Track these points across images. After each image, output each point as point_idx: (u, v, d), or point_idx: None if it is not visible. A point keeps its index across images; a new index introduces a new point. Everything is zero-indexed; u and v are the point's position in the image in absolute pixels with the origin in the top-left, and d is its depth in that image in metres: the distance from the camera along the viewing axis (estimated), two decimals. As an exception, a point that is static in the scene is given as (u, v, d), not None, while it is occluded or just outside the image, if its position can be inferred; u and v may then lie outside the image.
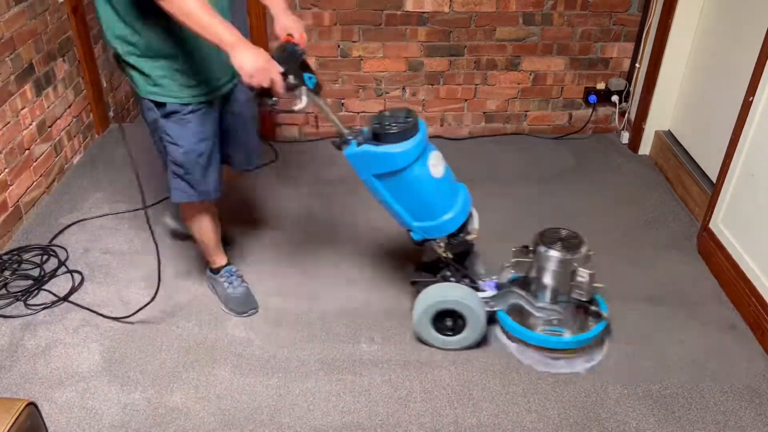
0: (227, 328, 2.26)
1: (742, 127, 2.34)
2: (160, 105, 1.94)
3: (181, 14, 1.67)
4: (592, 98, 3.45)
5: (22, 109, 2.74)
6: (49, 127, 2.98)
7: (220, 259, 2.37)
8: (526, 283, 2.16)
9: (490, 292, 2.17)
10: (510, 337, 2.17)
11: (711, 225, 2.54)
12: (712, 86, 2.87)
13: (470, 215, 2.17)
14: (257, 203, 2.96)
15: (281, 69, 1.77)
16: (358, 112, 3.50)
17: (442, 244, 2.12)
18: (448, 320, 2.12)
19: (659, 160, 3.25)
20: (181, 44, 1.85)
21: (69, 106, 3.17)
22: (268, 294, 2.41)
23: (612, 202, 2.97)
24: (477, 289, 2.17)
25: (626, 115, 3.51)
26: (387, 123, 1.96)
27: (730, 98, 2.58)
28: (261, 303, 2.37)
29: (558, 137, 3.56)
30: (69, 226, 2.77)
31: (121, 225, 2.79)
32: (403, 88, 3.42)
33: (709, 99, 2.89)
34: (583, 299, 2.08)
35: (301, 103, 1.88)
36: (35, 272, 2.49)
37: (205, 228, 2.26)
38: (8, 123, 2.64)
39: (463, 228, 2.13)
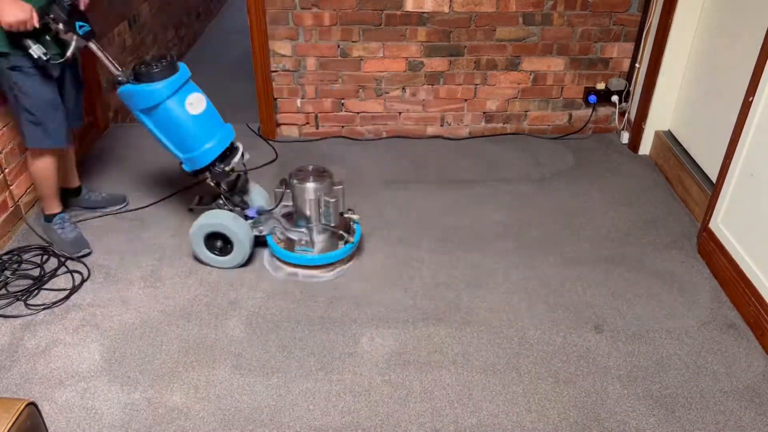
0: (227, 328, 2.26)
1: (742, 127, 2.34)
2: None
3: None
4: (592, 98, 3.45)
5: (22, 109, 2.74)
6: (49, 127, 2.98)
7: (55, 207, 2.60)
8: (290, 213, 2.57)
9: (253, 218, 2.54)
10: (274, 259, 2.58)
11: (711, 225, 2.55)
12: (712, 86, 2.87)
13: (234, 151, 2.53)
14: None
15: (40, 19, 2.14)
16: (358, 112, 3.50)
17: (208, 175, 2.48)
18: (218, 242, 2.48)
19: (659, 160, 3.25)
20: None
21: (69, 106, 3.17)
22: (268, 295, 2.41)
23: (612, 202, 2.97)
24: (241, 214, 2.53)
25: (626, 115, 3.51)
26: (147, 65, 2.31)
27: (730, 98, 2.58)
28: (261, 304, 2.37)
29: (558, 137, 3.56)
30: (69, 226, 2.77)
31: (121, 225, 2.79)
32: (403, 88, 3.42)
33: (709, 99, 2.89)
34: (330, 224, 2.47)
35: (71, 48, 2.26)
36: (35, 272, 2.49)
37: (49, 172, 2.49)
38: (8, 123, 2.64)
39: (224, 161, 2.48)
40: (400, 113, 3.51)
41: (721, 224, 2.49)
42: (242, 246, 2.47)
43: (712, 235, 2.53)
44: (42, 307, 2.33)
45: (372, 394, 2.01)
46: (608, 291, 2.44)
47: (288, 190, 2.52)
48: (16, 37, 2.16)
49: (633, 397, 2.00)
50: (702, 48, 2.96)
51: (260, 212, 2.55)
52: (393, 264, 2.57)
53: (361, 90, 3.42)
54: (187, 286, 2.46)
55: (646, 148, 3.36)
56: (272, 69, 3.34)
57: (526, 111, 3.53)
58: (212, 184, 2.52)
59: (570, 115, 3.56)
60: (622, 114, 3.52)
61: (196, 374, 2.08)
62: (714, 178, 2.64)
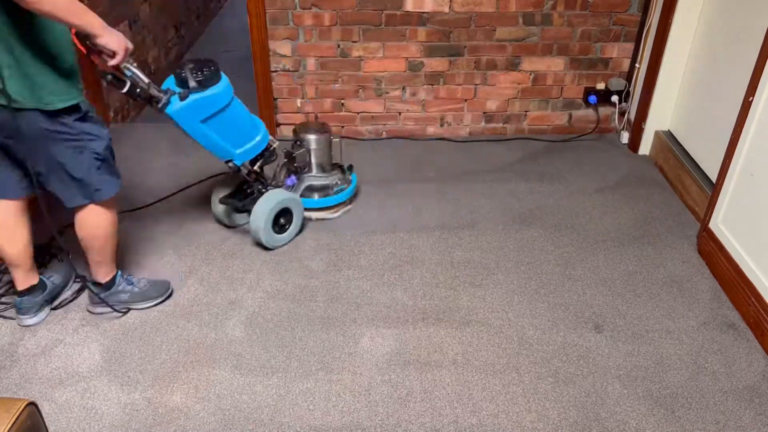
0: (227, 328, 2.26)
1: (742, 127, 2.34)
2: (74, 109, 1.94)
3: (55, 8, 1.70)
4: (592, 98, 3.46)
5: (22, 109, 2.74)
6: (49, 127, 2.97)
7: (113, 270, 2.29)
8: (307, 169, 2.80)
9: (293, 185, 2.76)
10: (313, 213, 2.82)
11: (711, 225, 2.55)
12: (712, 86, 2.87)
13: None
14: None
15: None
16: (358, 113, 3.50)
17: (256, 163, 2.58)
18: (281, 219, 2.62)
19: (659, 160, 3.25)
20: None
21: (69, 106, 3.17)
22: (268, 295, 2.42)
23: (612, 202, 2.97)
24: (285, 187, 2.72)
25: (626, 115, 3.51)
26: (198, 71, 2.24)
27: (730, 98, 2.59)
28: (261, 304, 2.37)
29: (558, 137, 3.56)
30: (67, 226, 2.77)
31: (121, 225, 2.78)
32: (403, 88, 3.42)
33: (709, 99, 2.89)
34: (339, 163, 2.86)
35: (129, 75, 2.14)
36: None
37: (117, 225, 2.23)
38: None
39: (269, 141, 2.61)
40: (400, 113, 3.51)
41: (721, 224, 2.49)
42: (300, 213, 2.69)
43: (712, 235, 2.54)
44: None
45: (372, 394, 2.01)
46: (608, 291, 2.44)
47: (303, 148, 2.73)
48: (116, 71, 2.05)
49: (633, 397, 2.00)
50: (702, 48, 2.96)
51: (297, 177, 2.78)
52: (393, 260, 2.57)
53: (361, 90, 3.42)
54: (187, 286, 2.46)
55: (646, 148, 3.36)
56: (272, 69, 3.35)
57: (526, 111, 3.53)
58: (254, 171, 2.59)
59: (570, 115, 3.56)
60: (622, 114, 3.53)
61: (196, 374, 2.08)
62: (714, 178, 2.64)
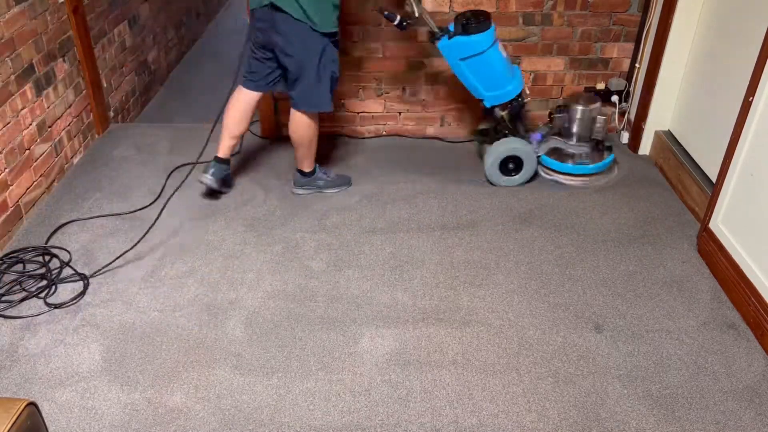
0: (227, 328, 2.26)
1: (742, 127, 2.34)
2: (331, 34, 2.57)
3: None
4: (592, 98, 3.46)
5: (22, 109, 2.75)
6: (49, 127, 2.98)
7: (312, 164, 2.96)
8: (560, 134, 3.11)
9: (539, 141, 3.07)
10: (548, 172, 3.13)
11: (711, 225, 2.55)
12: (712, 86, 2.87)
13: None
14: (257, 202, 2.96)
15: None
16: (358, 112, 3.50)
17: (508, 110, 2.98)
18: (510, 164, 3.01)
19: (659, 160, 3.25)
20: None
21: (69, 106, 3.17)
22: (268, 295, 2.42)
23: (612, 202, 2.97)
24: (527, 140, 3.04)
25: (626, 115, 3.51)
26: (468, 20, 2.77)
27: (730, 98, 2.59)
28: (261, 304, 2.37)
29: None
30: (65, 224, 2.78)
31: (121, 225, 2.79)
32: (403, 88, 3.42)
33: (709, 99, 2.89)
34: (600, 138, 3.07)
35: (415, 8, 2.74)
36: (34, 273, 2.49)
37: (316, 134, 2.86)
38: (8, 123, 2.64)
39: (520, 95, 2.98)
40: (400, 113, 3.51)
41: (721, 224, 2.49)
42: (531, 165, 3.01)
43: (712, 235, 2.54)
44: (54, 306, 2.33)
45: (372, 394, 2.01)
46: (608, 291, 2.44)
47: (564, 114, 3.05)
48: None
49: (633, 397, 2.00)
50: (702, 48, 2.96)
51: (543, 136, 3.08)
52: (393, 260, 2.57)
53: (361, 90, 3.42)
54: (187, 286, 2.46)
55: (646, 148, 3.36)
56: (272, 69, 3.34)
57: (526, 111, 3.53)
58: (505, 116, 2.99)
59: (570, 115, 3.55)
60: (622, 114, 3.52)
61: (196, 374, 2.08)
62: (714, 178, 2.64)
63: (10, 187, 2.67)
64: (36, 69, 2.85)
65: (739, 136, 2.36)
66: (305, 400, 1.99)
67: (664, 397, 2.00)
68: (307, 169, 2.96)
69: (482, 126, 3.26)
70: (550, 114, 3.19)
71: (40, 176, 2.91)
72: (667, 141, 3.18)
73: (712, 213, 2.54)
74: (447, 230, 2.77)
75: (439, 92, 3.44)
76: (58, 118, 3.06)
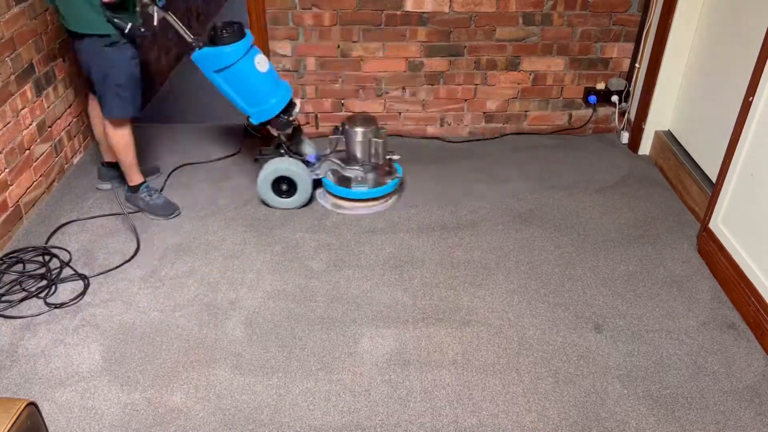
0: (227, 328, 2.26)
1: (742, 127, 2.34)
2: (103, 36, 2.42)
3: None
4: (592, 98, 3.45)
5: (22, 109, 2.75)
6: (49, 127, 2.98)
7: (138, 178, 2.80)
8: (343, 156, 2.93)
9: (314, 163, 2.91)
10: (332, 196, 2.94)
11: (711, 225, 2.55)
12: (712, 86, 2.87)
13: (292, 104, 2.82)
14: (257, 202, 2.96)
15: None
16: (359, 113, 3.50)
17: (274, 127, 2.78)
18: (283, 185, 2.83)
19: (659, 160, 3.25)
20: None
21: (69, 106, 3.17)
22: (268, 295, 2.42)
23: (612, 202, 2.97)
24: (304, 161, 2.89)
25: (626, 115, 3.51)
26: (220, 31, 2.58)
27: (730, 98, 2.59)
28: (261, 304, 2.37)
29: (558, 137, 3.56)
30: (65, 224, 2.78)
31: (121, 225, 2.79)
32: (403, 88, 3.42)
33: (709, 99, 2.89)
34: (378, 162, 2.87)
35: (155, 18, 2.47)
36: (34, 273, 2.49)
37: (131, 140, 2.73)
38: (8, 123, 2.64)
39: (287, 112, 2.78)
40: (400, 113, 3.51)
41: (721, 224, 2.49)
42: (306, 187, 2.84)
43: (712, 235, 2.54)
44: (54, 306, 2.33)
45: (372, 394, 2.01)
46: (608, 291, 2.44)
47: (342, 136, 2.89)
48: (113, 14, 2.39)
49: (633, 397, 2.00)
50: (702, 48, 2.96)
51: (318, 157, 2.93)
52: (393, 260, 2.58)
53: (361, 90, 3.42)
54: (187, 286, 2.46)
55: (646, 148, 3.36)
56: (272, 69, 3.34)
57: (526, 111, 3.53)
58: (275, 134, 2.83)
59: (570, 115, 3.56)
60: (622, 114, 3.52)
61: (196, 374, 2.08)
62: (714, 178, 2.64)
63: (10, 187, 2.67)
64: (36, 69, 2.85)
65: (739, 136, 2.36)
66: (305, 400, 1.99)
67: (664, 397, 2.00)
68: (131, 183, 2.83)
69: (263, 148, 3.04)
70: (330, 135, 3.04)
71: (40, 176, 2.91)
72: (667, 141, 3.18)
73: (712, 213, 2.54)
74: (447, 230, 2.77)
75: (439, 92, 3.44)
76: (58, 118, 3.06)
